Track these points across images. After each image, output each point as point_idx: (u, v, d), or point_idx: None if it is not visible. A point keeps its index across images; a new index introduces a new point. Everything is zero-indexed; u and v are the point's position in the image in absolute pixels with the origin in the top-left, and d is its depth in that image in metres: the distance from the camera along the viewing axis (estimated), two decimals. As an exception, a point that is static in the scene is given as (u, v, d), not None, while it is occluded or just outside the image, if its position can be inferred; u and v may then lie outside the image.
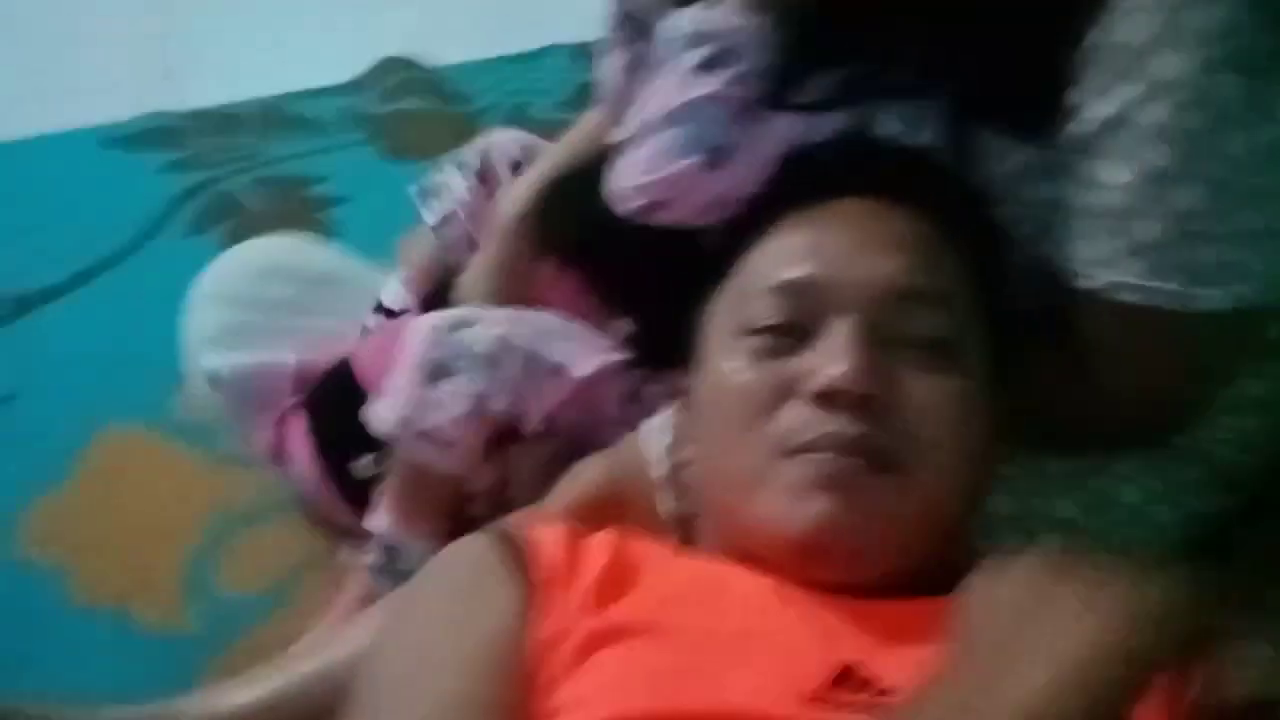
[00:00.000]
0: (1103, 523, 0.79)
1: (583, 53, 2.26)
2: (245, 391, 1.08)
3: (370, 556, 0.99)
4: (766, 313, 0.66)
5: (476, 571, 0.64)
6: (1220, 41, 0.62)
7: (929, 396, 0.63)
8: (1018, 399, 0.71)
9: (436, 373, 0.88)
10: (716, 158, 0.74)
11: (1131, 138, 0.65)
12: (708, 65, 0.73)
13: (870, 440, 0.61)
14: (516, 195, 0.96)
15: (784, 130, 0.75)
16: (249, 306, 1.09)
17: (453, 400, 0.87)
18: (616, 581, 0.63)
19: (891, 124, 0.76)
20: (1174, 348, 0.70)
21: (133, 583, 1.10)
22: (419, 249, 1.15)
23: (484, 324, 0.88)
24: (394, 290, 1.14)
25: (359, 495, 1.03)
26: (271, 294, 1.10)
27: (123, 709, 0.86)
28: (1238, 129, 0.63)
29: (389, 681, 0.60)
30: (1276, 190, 0.65)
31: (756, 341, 0.66)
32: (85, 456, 1.24)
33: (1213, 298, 0.67)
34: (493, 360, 0.87)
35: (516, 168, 1.05)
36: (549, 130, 1.77)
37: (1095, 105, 0.67)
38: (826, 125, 0.76)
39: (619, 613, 0.61)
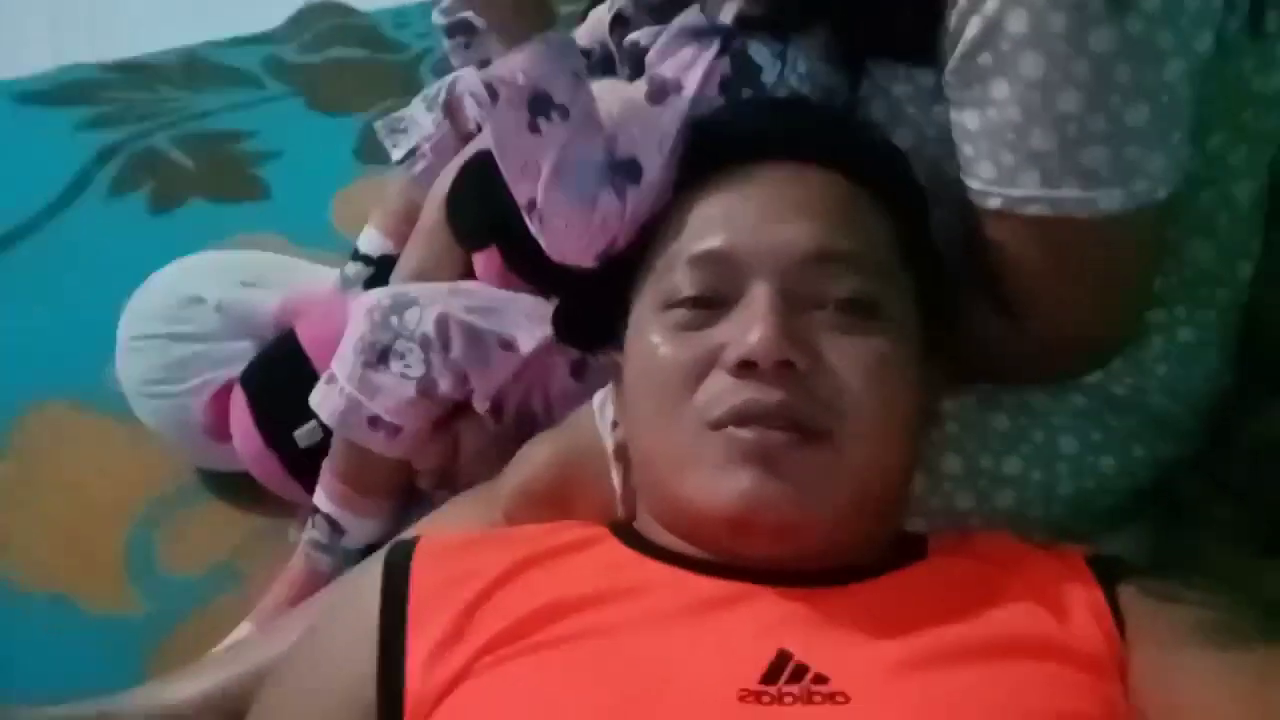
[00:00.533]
0: (1048, 476, 0.80)
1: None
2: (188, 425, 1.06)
3: (313, 533, 0.97)
4: (685, 285, 0.66)
5: (352, 641, 0.65)
6: None
7: (851, 357, 0.63)
8: (952, 346, 0.71)
9: (380, 357, 0.86)
10: (625, 174, 0.73)
11: (1005, 49, 0.65)
12: (534, 122, 0.72)
13: (791, 407, 0.61)
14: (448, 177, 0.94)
15: (674, 114, 0.75)
16: (173, 343, 1.06)
17: (398, 385, 0.86)
18: (528, 596, 0.63)
19: (762, 54, 0.75)
20: (1086, 257, 0.71)
21: (73, 566, 1.07)
22: (390, 191, 1.13)
23: (424, 303, 0.86)
24: (371, 237, 1.12)
25: (304, 466, 1.01)
26: (196, 324, 1.07)
27: (62, 708, 0.84)
28: (1100, 25, 0.63)
29: None
30: (1154, 82, 0.65)
31: (677, 315, 0.66)
32: (15, 435, 1.20)
33: (1114, 197, 0.67)
34: (436, 341, 0.85)
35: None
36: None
37: (971, 21, 0.67)
38: (713, 88, 0.75)
39: (534, 627, 0.61)
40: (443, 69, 1.91)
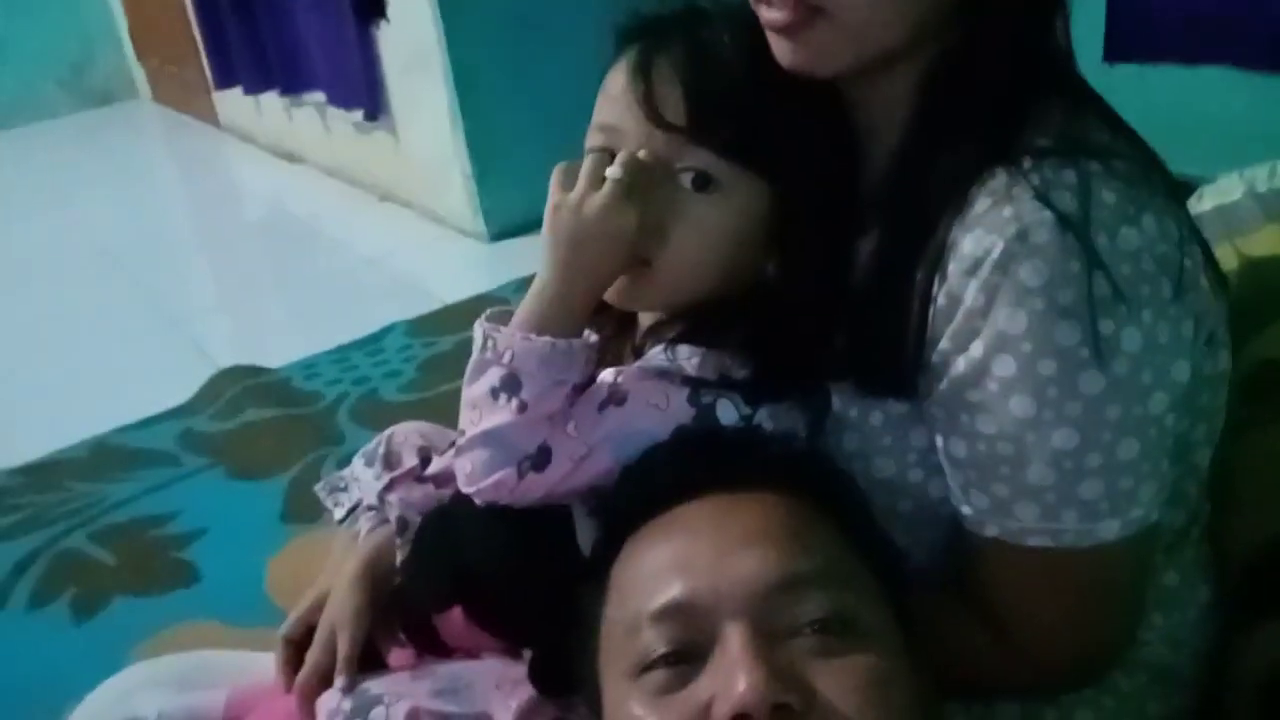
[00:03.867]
0: (1068, 756, 0.77)
1: (420, 327, 2.29)
2: None
3: None
4: (653, 644, 0.62)
5: None
6: (1051, 292, 0.64)
7: (842, 682, 0.60)
8: (936, 659, 0.68)
9: None
10: (532, 462, 0.75)
11: (993, 390, 0.67)
12: (498, 390, 0.75)
13: None
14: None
15: (611, 425, 0.76)
16: None
17: (375, 791, 0.79)
18: None
19: (729, 414, 0.76)
20: (1082, 581, 0.70)
21: None
22: (335, 553, 1.04)
23: (388, 700, 0.80)
24: None
25: None
26: None
27: None
28: (1087, 369, 0.64)
29: None
30: (1141, 417, 0.66)
31: (653, 678, 0.62)
32: None
33: (1110, 528, 0.68)
34: None
35: (424, 453, 1.01)
36: (403, 413, 1.75)
37: (955, 361, 0.68)
38: (651, 419, 0.76)
39: None
40: (359, 413, 1.96)
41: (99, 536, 1.65)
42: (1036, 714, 0.77)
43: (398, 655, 0.91)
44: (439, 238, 2.84)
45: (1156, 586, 0.80)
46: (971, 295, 0.65)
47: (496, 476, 0.75)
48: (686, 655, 0.62)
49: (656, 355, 0.77)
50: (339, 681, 0.84)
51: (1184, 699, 0.81)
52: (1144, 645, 0.79)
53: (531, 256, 0.79)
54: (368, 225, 3.03)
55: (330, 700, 0.82)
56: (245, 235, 3.28)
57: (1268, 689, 0.79)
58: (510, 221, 2.67)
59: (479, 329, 0.77)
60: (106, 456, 1.89)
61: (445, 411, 0.85)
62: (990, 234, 0.65)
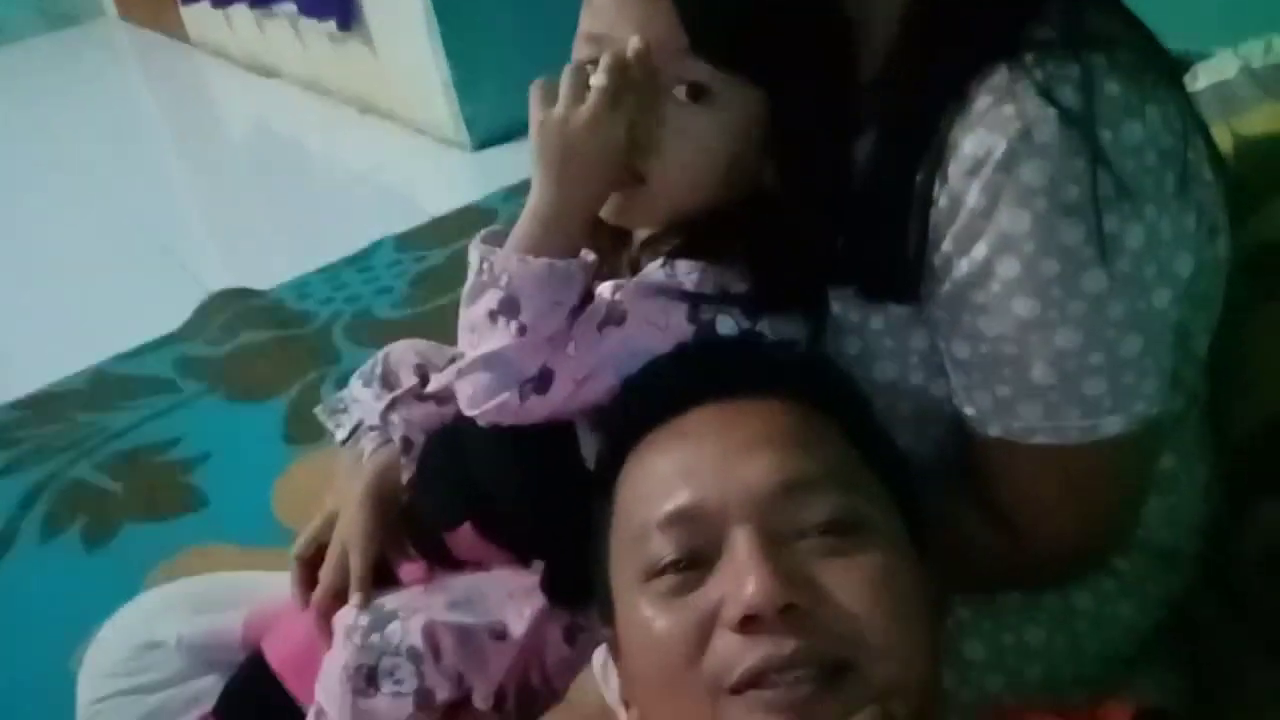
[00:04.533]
0: (1070, 636, 0.78)
1: (409, 241, 2.27)
2: None
3: None
4: (662, 550, 0.63)
5: None
6: (1054, 191, 0.63)
7: (850, 580, 0.61)
8: (942, 557, 0.69)
9: (368, 680, 0.81)
10: (534, 385, 0.75)
11: (996, 290, 0.66)
12: (496, 313, 0.75)
13: (808, 651, 0.58)
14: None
15: (611, 344, 0.76)
16: (136, 697, 1.00)
17: (393, 705, 0.81)
18: None
19: (729, 328, 0.76)
20: (1087, 477, 0.71)
21: None
22: (340, 474, 1.04)
23: (403, 614, 0.82)
24: None
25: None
26: (157, 671, 1.01)
27: None
28: (1091, 267, 0.64)
29: None
30: (1145, 312, 0.66)
31: (663, 582, 0.63)
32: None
33: (1114, 423, 0.68)
34: (426, 651, 0.81)
35: (421, 371, 1.00)
36: (397, 329, 1.75)
37: (958, 263, 0.68)
38: (651, 338, 0.75)
39: None
40: (354, 332, 1.95)
41: (104, 466, 1.66)
42: (1036, 597, 0.79)
43: (409, 570, 0.92)
44: (422, 149, 2.80)
45: (1154, 469, 0.81)
46: (974, 196, 0.65)
47: (499, 399, 0.75)
48: (695, 560, 0.63)
49: (654, 271, 0.76)
50: (354, 599, 0.85)
51: (1183, 577, 0.82)
52: (1142, 527, 0.81)
53: (517, 164, 0.78)
54: (349, 139, 2.98)
55: (346, 617, 0.84)
56: (226, 154, 3.24)
57: (1270, 563, 0.81)
58: (494, 129, 2.63)
59: (474, 251, 0.77)
60: (105, 386, 1.89)
61: (439, 326, 0.84)
62: (992, 133, 0.64)
